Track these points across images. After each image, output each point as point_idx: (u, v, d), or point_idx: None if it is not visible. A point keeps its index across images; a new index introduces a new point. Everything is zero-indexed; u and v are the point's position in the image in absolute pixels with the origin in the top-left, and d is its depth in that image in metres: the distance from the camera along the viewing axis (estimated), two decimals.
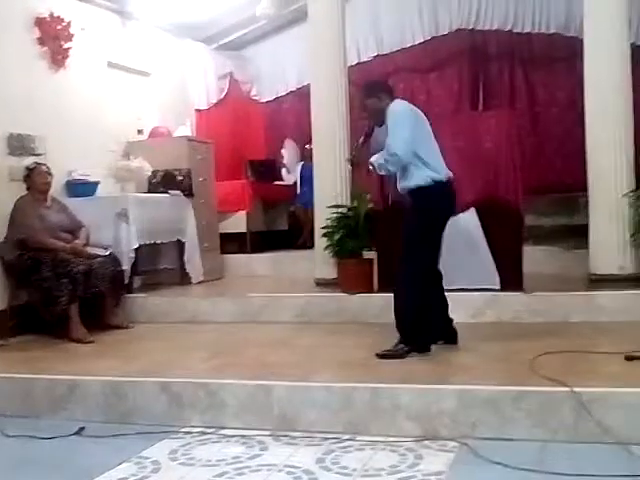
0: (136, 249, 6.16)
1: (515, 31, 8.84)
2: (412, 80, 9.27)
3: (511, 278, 5.45)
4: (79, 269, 5.31)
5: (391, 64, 9.31)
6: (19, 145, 6.02)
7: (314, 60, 6.46)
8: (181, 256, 7.01)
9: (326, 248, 5.99)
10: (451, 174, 4.34)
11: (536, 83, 8.95)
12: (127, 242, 6.08)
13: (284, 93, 10.02)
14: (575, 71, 6.34)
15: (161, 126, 7.84)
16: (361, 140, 4.47)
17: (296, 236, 8.82)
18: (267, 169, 9.49)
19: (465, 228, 5.28)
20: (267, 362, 4.34)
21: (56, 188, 6.11)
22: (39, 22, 6.43)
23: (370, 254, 5.95)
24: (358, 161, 4.59)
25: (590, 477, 2.85)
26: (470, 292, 5.34)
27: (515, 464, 2.98)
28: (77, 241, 5.59)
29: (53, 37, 6.57)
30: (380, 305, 5.39)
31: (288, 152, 9.63)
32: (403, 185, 4.32)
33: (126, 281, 5.99)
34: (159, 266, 7.00)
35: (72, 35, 6.74)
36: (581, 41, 5.79)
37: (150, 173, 6.92)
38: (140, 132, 7.70)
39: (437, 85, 9.22)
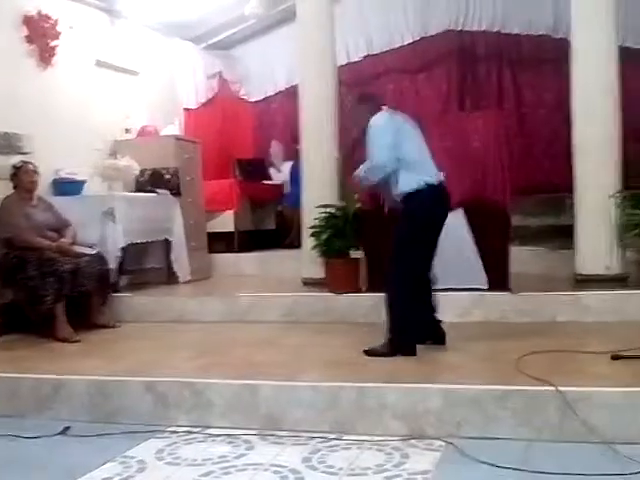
0: (123, 248, 6.13)
1: (503, 32, 8.87)
2: (401, 80, 9.30)
3: (498, 278, 5.47)
4: (65, 268, 5.28)
5: (380, 64, 9.34)
6: (6, 143, 6.00)
7: (303, 60, 6.45)
8: (168, 255, 6.98)
9: (314, 248, 5.98)
10: (443, 177, 4.35)
11: (524, 84, 8.98)
12: (114, 241, 6.05)
13: (273, 93, 10.02)
14: (563, 73, 6.35)
15: (149, 125, 7.82)
16: (349, 151, 4.53)
17: (284, 236, 8.82)
18: (255, 168, 9.48)
19: (452, 228, 5.25)
20: (254, 361, 4.33)
21: (43, 187, 6.08)
22: (27, 20, 6.40)
23: (358, 254, 5.95)
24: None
25: (575, 476, 2.86)
26: (457, 292, 5.35)
27: (501, 463, 2.99)
28: (63, 240, 5.56)
29: (41, 35, 6.54)
30: (367, 305, 5.41)
31: (275, 152, 9.62)
32: (395, 192, 4.34)
33: (112, 280, 5.96)
34: (146, 265, 6.98)
35: (60, 33, 6.72)
36: (569, 43, 5.81)
37: (137, 172, 6.88)
38: (128, 131, 7.67)
39: (426, 85, 9.25)
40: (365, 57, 9.38)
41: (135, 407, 3.85)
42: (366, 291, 5.71)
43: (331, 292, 5.79)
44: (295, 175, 8.09)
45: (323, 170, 6.24)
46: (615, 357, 3.84)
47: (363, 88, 9.09)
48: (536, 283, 5.82)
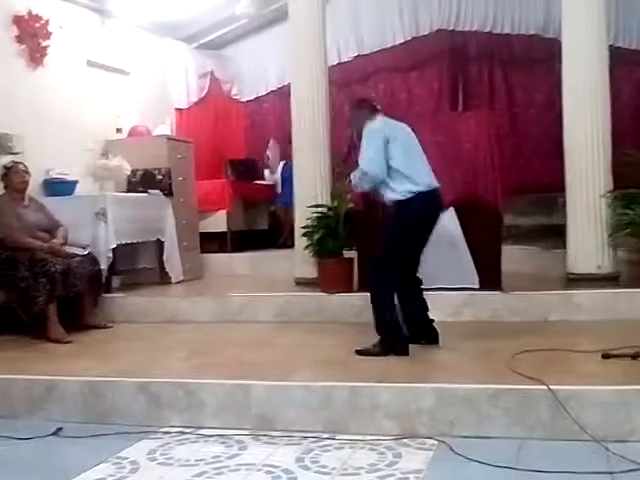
0: (114, 248, 6.12)
1: (495, 32, 8.90)
2: (392, 80, 9.32)
3: (490, 277, 5.48)
4: (57, 269, 5.27)
5: (372, 64, 9.36)
6: None
7: (295, 60, 6.46)
8: (160, 255, 6.97)
9: (306, 248, 5.99)
10: (436, 183, 4.36)
11: (515, 84, 9.02)
12: (105, 241, 6.04)
13: (265, 92, 10.03)
14: (554, 72, 6.39)
15: (140, 125, 7.81)
16: (344, 155, 4.55)
17: (276, 236, 8.82)
18: (247, 168, 9.48)
19: (444, 228, 5.27)
20: (246, 362, 4.33)
21: (34, 187, 6.07)
22: (17, 20, 6.39)
23: (350, 254, 5.96)
24: (339, 177, 4.65)
25: (567, 474, 2.87)
26: (449, 291, 5.36)
27: (493, 462, 3.00)
28: (55, 240, 5.55)
29: (31, 35, 6.53)
30: (360, 304, 5.40)
31: (273, 152, 9.59)
32: (386, 198, 4.37)
33: (104, 281, 5.95)
34: (138, 266, 6.96)
35: (50, 33, 6.71)
36: (560, 43, 5.83)
37: (129, 172, 6.88)
38: (119, 131, 7.67)
39: (417, 85, 9.27)
40: (356, 57, 9.40)
41: (128, 408, 3.84)
42: (358, 290, 5.72)
43: (323, 292, 5.80)
44: (286, 175, 8.10)
45: (315, 170, 6.25)
46: (606, 356, 3.85)
47: (355, 88, 9.15)
48: (528, 282, 5.83)
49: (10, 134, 6.10)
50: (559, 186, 5.92)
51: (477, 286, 5.48)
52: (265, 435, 3.52)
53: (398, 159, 4.23)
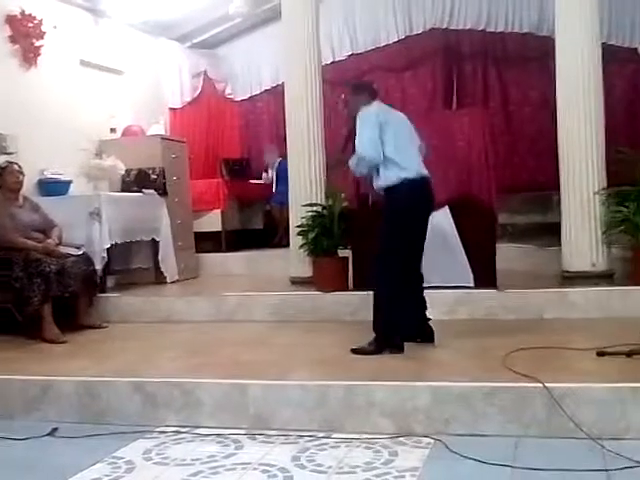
0: (109, 248, 6.11)
1: (488, 30, 8.91)
2: (387, 79, 9.31)
3: (485, 275, 5.49)
4: (51, 269, 5.26)
5: (365, 63, 9.35)
6: None
7: (288, 59, 6.45)
8: (155, 255, 6.97)
9: (301, 247, 5.99)
10: (426, 172, 4.36)
11: (509, 82, 9.03)
12: (100, 241, 6.03)
13: (259, 92, 10.02)
14: (548, 70, 6.40)
15: (134, 125, 7.79)
16: (343, 141, 4.55)
17: (271, 235, 8.82)
18: (242, 168, 9.47)
19: (439, 226, 5.29)
20: (242, 361, 4.33)
21: (28, 187, 6.06)
22: (10, 20, 6.37)
23: (345, 252, 5.96)
24: (338, 164, 4.64)
25: (563, 472, 2.87)
26: (444, 289, 5.37)
27: (489, 459, 3.00)
28: (49, 240, 5.53)
29: (24, 35, 6.51)
30: (355, 303, 5.42)
31: (269, 156, 9.48)
32: (376, 185, 4.38)
33: (99, 280, 5.94)
34: (133, 265, 6.95)
35: (44, 33, 6.69)
36: (553, 40, 5.84)
37: (123, 172, 6.87)
38: (113, 131, 7.66)
39: (411, 84, 9.27)
40: (350, 56, 9.40)
41: (123, 407, 3.84)
42: (353, 289, 5.72)
43: (319, 291, 5.80)
44: (282, 174, 8.09)
45: (309, 168, 6.24)
46: (601, 353, 3.86)
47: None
48: (523, 280, 5.84)
49: (4, 134, 6.08)
50: (553, 184, 5.93)
51: (472, 284, 5.49)
52: (261, 434, 3.52)
53: (389, 145, 4.24)
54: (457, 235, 5.50)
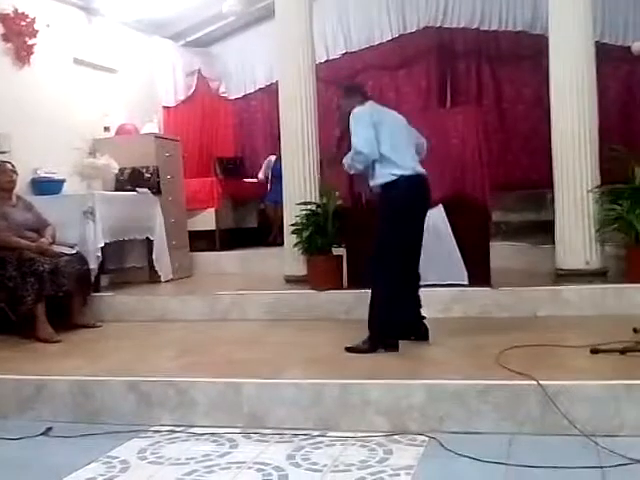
0: (103, 247, 6.10)
1: (482, 29, 8.91)
2: (381, 77, 9.32)
3: (479, 273, 5.50)
4: (45, 268, 5.24)
5: (359, 61, 9.35)
6: None
7: (282, 57, 6.45)
8: (149, 254, 6.96)
9: (295, 245, 5.99)
10: (422, 170, 4.37)
11: (503, 80, 9.05)
12: (94, 240, 6.02)
13: (253, 90, 10.01)
14: (541, 69, 6.41)
15: (128, 123, 7.78)
16: (336, 140, 4.56)
17: (265, 234, 8.81)
18: (236, 166, 9.46)
19: (433, 224, 5.29)
20: (237, 360, 4.32)
21: (21, 186, 6.04)
22: (3, 18, 6.36)
23: (339, 251, 5.96)
24: (332, 163, 4.64)
25: (557, 469, 2.88)
26: (438, 287, 5.38)
27: (483, 457, 3.01)
28: (43, 240, 5.51)
29: (17, 33, 6.50)
30: (349, 301, 5.43)
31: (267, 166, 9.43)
32: (372, 183, 4.38)
33: (93, 280, 5.93)
34: (127, 264, 6.94)
35: (37, 31, 6.68)
36: (547, 39, 5.85)
37: (117, 171, 6.86)
38: (107, 129, 7.64)
39: (405, 82, 9.28)
40: (344, 54, 9.40)
41: (118, 407, 3.83)
42: (348, 288, 5.72)
43: (313, 289, 5.80)
44: (276, 172, 8.08)
45: (303, 167, 6.24)
46: (594, 351, 3.87)
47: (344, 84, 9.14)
48: (517, 278, 5.85)
49: None
50: (547, 182, 5.95)
51: (466, 282, 5.50)
52: (256, 433, 3.52)
53: (384, 144, 4.25)
54: (451, 233, 5.51)
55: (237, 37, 9.77)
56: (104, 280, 6.49)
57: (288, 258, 6.29)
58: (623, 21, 8.38)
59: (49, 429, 3.69)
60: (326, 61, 9.06)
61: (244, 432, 3.54)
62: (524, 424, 3.33)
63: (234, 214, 8.92)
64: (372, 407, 3.51)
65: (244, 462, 3.16)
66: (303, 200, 6.04)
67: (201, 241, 8.20)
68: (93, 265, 5.92)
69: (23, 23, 6.54)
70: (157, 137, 7.49)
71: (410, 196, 4.27)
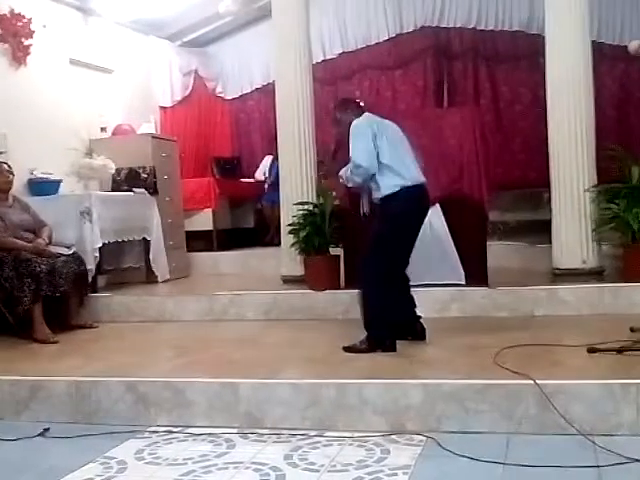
0: (100, 248, 6.09)
1: (479, 28, 8.92)
2: (377, 77, 9.34)
3: (476, 273, 5.50)
4: (42, 268, 5.23)
5: (356, 61, 9.36)
6: None
7: (278, 57, 6.44)
8: (146, 254, 6.95)
9: (292, 245, 5.99)
10: (423, 179, 4.37)
11: (500, 80, 9.06)
12: (91, 241, 6.01)
13: (249, 90, 10.00)
14: (538, 68, 6.42)
15: (125, 124, 7.78)
16: (331, 153, 4.56)
17: (263, 233, 8.82)
18: (233, 166, 9.46)
19: (430, 224, 5.30)
20: (234, 360, 4.32)
21: (17, 187, 6.03)
22: None
23: (336, 251, 5.96)
24: (330, 173, 4.64)
25: (554, 468, 2.88)
26: (435, 287, 5.38)
27: (481, 456, 3.01)
28: (39, 240, 5.50)
29: (13, 34, 6.49)
30: (347, 301, 5.42)
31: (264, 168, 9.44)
32: (375, 195, 4.37)
33: (90, 280, 5.92)
34: (124, 265, 6.93)
35: (33, 32, 6.67)
36: (543, 38, 5.85)
37: (114, 171, 6.86)
38: (103, 130, 7.63)
39: (402, 82, 9.29)
40: (341, 54, 9.40)
41: (115, 407, 3.83)
42: (345, 288, 5.72)
43: (310, 289, 5.79)
44: (274, 172, 8.08)
45: (300, 167, 6.24)
46: (591, 350, 3.87)
47: (340, 85, 9.16)
48: (514, 278, 5.86)
49: None
50: (544, 181, 5.95)
51: (463, 282, 5.50)
52: (253, 433, 3.52)
53: (386, 154, 4.24)
54: (448, 233, 5.50)
55: (234, 37, 9.77)
56: (101, 280, 6.48)
57: (285, 258, 6.28)
58: (620, 20, 8.39)
59: (46, 430, 3.68)
60: (323, 61, 9.07)
61: (241, 432, 3.54)
62: (521, 423, 3.33)
63: (231, 214, 8.93)
64: (369, 407, 3.51)
65: (241, 462, 3.16)
66: (300, 200, 6.03)
67: (198, 241, 8.20)
68: (90, 266, 5.92)
69: (19, 24, 6.53)
70: (154, 137, 7.48)
71: (410, 209, 4.29)
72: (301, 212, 5.93)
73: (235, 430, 3.57)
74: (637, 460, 2.89)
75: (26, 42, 6.60)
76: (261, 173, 9.24)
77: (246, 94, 10.06)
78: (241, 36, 9.69)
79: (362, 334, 4.26)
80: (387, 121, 4.46)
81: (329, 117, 4.98)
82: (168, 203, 7.39)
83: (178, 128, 9.01)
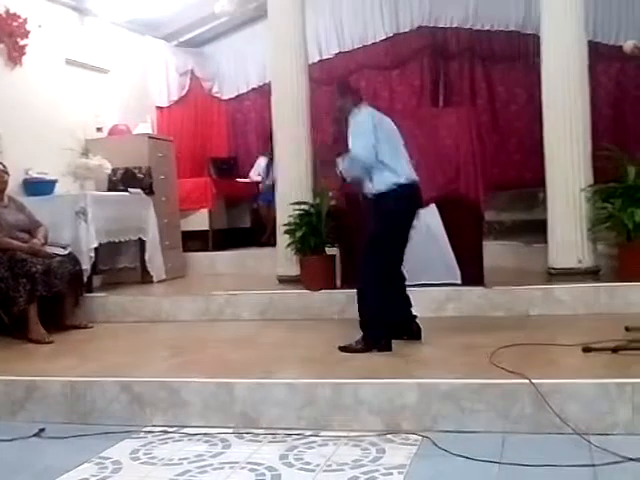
0: (96, 248, 6.09)
1: (475, 28, 8.91)
2: (374, 77, 9.32)
3: (472, 273, 5.50)
4: (37, 269, 5.22)
5: (353, 61, 9.35)
6: None
7: (275, 57, 6.44)
8: (142, 255, 6.94)
9: (288, 245, 5.98)
10: (416, 177, 4.37)
11: (496, 80, 9.04)
12: (86, 241, 6.01)
13: (246, 90, 9.99)
14: (534, 68, 6.42)
15: (121, 124, 7.76)
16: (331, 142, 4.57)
17: (259, 233, 8.81)
18: (229, 166, 9.45)
19: (426, 224, 5.29)
20: (229, 360, 4.32)
21: (13, 187, 6.01)
22: None
23: (332, 250, 5.96)
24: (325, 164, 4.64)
25: (550, 467, 2.88)
26: (431, 287, 5.38)
27: (476, 456, 3.01)
28: (35, 240, 5.49)
29: (9, 34, 6.47)
30: (343, 301, 5.42)
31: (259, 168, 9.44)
32: (367, 190, 4.38)
33: (85, 280, 5.91)
34: (119, 265, 6.93)
35: (29, 32, 6.66)
36: (539, 38, 5.86)
37: (110, 171, 6.85)
38: (99, 130, 7.61)
39: (399, 82, 9.27)
40: (337, 54, 9.39)
41: (110, 407, 3.82)
42: (341, 287, 5.72)
43: (306, 289, 5.79)
44: (270, 172, 8.08)
45: (297, 167, 6.24)
46: (587, 349, 3.87)
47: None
48: (510, 277, 5.86)
49: None
50: (540, 181, 5.95)
51: (459, 282, 5.50)
52: (249, 433, 3.52)
53: (382, 150, 4.25)
54: (444, 233, 5.51)
55: (230, 37, 9.76)
56: (96, 281, 6.47)
57: (281, 258, 6.28)
58: (616, 20, 8.39)
59: (41, 430, 3.68)
60: (319, 61, 9.06)
61: (237, 432, 3.54)
62: (517, 423, 3.33)
63: (227, 214, 8.91)
64: (365, 407, 3.51)
65: (237, 462, 3.16)
66: (296, 200, 6.03)
67: (194, 241, 8.19)
68: (85, 266, 5.91)
69: (15, 23, 6.51)
70: (150, 137, 7.48)
71: (404, 204, 4.29)
72: (297, 212, 5.93)
73: (231, 430, 3.57)
74: (632, 459, 2.89)
75: (22, 42, 6.59)
76: (255, 173, 9.24)
77: (242, 94, 10.04)
78: (237, 36, 9.68)
79: (358, 334, 4.26)
80: (384, 116, 4.47)
81: (326, 117, 5.00)
82: (164, 203, 7.38)
83: (174, 128, 8.99)
